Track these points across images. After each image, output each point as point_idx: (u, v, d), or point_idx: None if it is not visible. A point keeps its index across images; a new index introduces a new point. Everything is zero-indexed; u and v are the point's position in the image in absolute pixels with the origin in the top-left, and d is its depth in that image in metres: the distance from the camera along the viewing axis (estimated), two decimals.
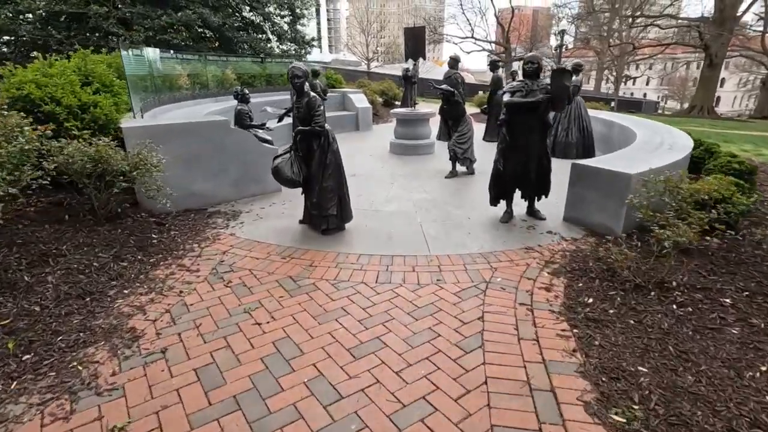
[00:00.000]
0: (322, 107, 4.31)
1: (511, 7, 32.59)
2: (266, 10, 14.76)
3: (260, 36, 15.26)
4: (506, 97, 4.58)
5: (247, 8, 14.28)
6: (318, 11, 57.20)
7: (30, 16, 10.21)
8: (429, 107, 11.24)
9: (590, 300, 3.20)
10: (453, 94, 6.74)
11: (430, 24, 36.91)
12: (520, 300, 3.29)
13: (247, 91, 7.36)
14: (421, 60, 12.36)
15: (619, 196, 4.27)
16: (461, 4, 33.28)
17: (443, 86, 6.81)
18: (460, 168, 7.15)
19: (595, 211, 4.58)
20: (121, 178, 4.03)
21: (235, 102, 7.35)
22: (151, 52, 7.24)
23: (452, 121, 7.09)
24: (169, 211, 5.04)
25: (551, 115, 4.72)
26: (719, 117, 25.43)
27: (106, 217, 4.34)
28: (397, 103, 18.42)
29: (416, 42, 12.08)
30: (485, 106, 10.83)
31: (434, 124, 9.86)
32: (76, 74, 5.07)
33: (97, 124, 4.62)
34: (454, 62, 10.03)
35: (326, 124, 4.43)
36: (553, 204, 5.11)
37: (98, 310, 3.12)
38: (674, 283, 3.26)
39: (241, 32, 14.31)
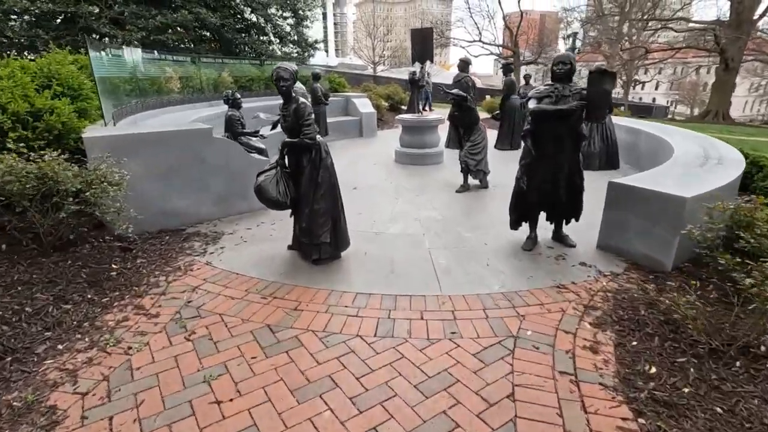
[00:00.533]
0: (312, 116, 3.58)
1: (520, 11, 31.77)
2: (268, 11, 14.11)
3: (263, 38, 14.62)
4: (532, 104, 3.83)
5: (248, 9, 13.63)
6: (325, 15, 56.77)
7: (15, 16, 9.61)
8: (437, 113, 10.49)
9: (653, 370, 2.43)
10: (465, 100, 6.00)
11: (437, 27, 36.17)
12: (559, 365, 2.52)
13: (238, 95, 6.67)
14: (428, 63, 11.69)
15: (670, 224, 3.50)
16: (469, 8, 32.61)
17: (454, 91, 6.07)
18: (472, 181, 6.40)
19: (638, 239, 3.81)
20: (71, 199, 3.32)
21: (226, 107, 6.66)
22: (132, 53, 6.57)
23: (464, 129, 6.35)
24: (140, 233, 4.35)
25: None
26: (735, 123, 24.49)
27: (55, 245, 3.63)
28: (403, 107, 17.73)
29: (424, 44, 11.36)
30: (497, 111, 10.09)
31: (442, 131, 9.12)
32: (36, 76, 4.39)
33: (53, 134, 3.92)
34: (464, 65, 9.28)
35: (318, 135, 3.70)
36: (582, 227, 4.34)
37: (16, 376, 2.41)
38: (763, 348, 2.49)
39: (242, 34, 13.68)
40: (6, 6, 9.15)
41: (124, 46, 6.26)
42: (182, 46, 11.91)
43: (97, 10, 10.14)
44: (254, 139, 6.87)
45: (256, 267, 3.82)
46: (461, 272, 3.71)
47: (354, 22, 60.89)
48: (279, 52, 14.52)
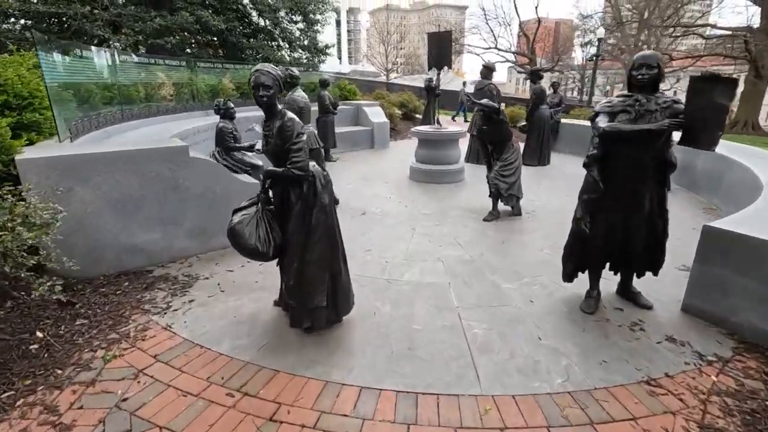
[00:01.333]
0: (303, 137, 2.60)
1: (537, 18, 30.71)
2: (277, 15, 13.28)
3: (272, 43, 13.79)
4: (603, 122, 2.81)
5: (255, 13, 12.82)
6: (338, 22, 56.27)
7: (13, 19, 8.88)
8: (452, 123, 9.45)
9: None
10: (497, 112, 4.98)
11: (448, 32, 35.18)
12: None
13: (231, 105, 5.74)
14: (445, 69, 10.75)
15: None
16: (485, 14, 31.57)
17: (483, 101, 5.05)
18: (502, 207, 5.37)
19: (751, 308, 2.74)
20: None
21: (218, 118, 5.74)
22: (108, 55, 5.69)
23: (494, 146, 5.32)
24: (94, 276, 3.41)
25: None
26: (766, 133, 23.02)
27: None
28: (417, 116, 16.75)
29: (441, 48, 10.39)
30: (523, 123, 9.07)
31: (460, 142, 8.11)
32: None
33: None
34: (487, 71, 8.30)
35: (313, 163, 2.71)
36: (648, 273, 3.28)
37: None
38: None
39: (249, 39, 12.85)
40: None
41: (95, 48, 5.36)
42: (187, 51, 11.09)
43: (88, 10, 9.35)
44: (250, 154, 5.94)
45: (230, 335, 2.84)
46: (506, 352, 2.68)
47: (367, 29, 60.40)
48: (288, 58, 13.66)
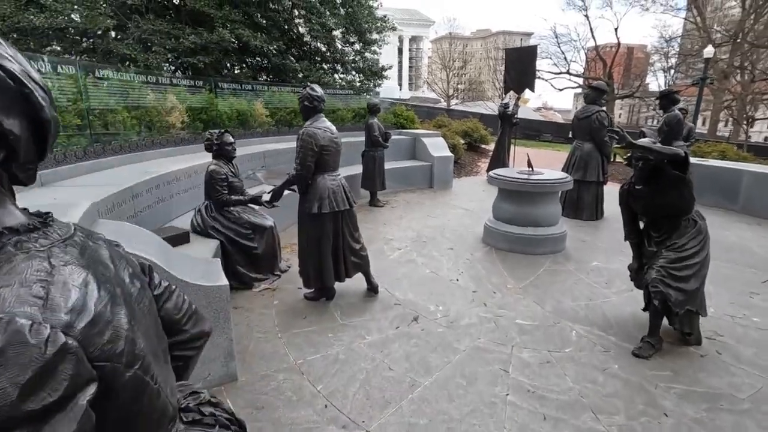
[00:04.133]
0: None
1: (617, 41, 27.45)
2: (332, 34, 11.70)
3: (324, 65, 12.22)
4: None
5: (301, 29, 11.30)
6: (400, 50, 55.53)
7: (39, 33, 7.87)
8: (536, 161, 6.96)
9: None
10: (683, 164, 2.60)
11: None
12: None
13: (230, 138, 3.81)
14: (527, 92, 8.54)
15: None
16: (556, 37, 28.78)
17: (656, 146, 2.66)
18: (666, 326, 2.91)
19: None
20: None
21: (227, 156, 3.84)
22: (65, 68, 4.02)
23: (655, 222, 2.91)
24: None
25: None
26: None
27: None
28: (483, 147, 14.39)
29: (523, 67, 8.09)
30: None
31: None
32: None
33: None
34: (597, 93, 5.94)
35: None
36: None
37: None
38: None
39: (300, 61, 11.33)
40: (20, 23, 7.36)
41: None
42: (225, 72, 9.64)
43: (123, 27, 8.14)
44: (255, 208, 3.97)
45: None
46: None
47: (429, 56, 59.26)
48: (339, 80, 11.98)
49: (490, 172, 4.99)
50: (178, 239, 3.40)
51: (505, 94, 8.92)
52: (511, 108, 8.83)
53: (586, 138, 6.00)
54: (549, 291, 3.78)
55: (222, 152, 3.78)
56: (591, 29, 28.51)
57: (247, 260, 3.80)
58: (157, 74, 5.54)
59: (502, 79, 34.52)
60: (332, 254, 3.36)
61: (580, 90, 38.39)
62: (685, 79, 34.34)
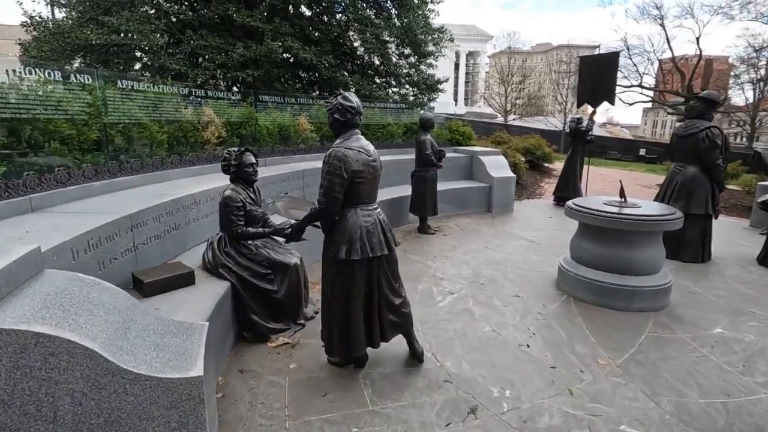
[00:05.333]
0: None
1: (699, 51, 24.77)
2: (385, 47, 11.12)
3: (378, 79, 11.67)
4: None
5: (355, 43, 10.81)
6: (457, 66, 54.62)
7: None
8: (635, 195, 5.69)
9: None
10: None
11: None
12: None
13: (250, 157, 3.16)
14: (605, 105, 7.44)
15: None
16: (627, 49, 26.49)
17: None
18: None
19: None
20: None
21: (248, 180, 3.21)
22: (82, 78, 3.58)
23: None
24: None
25: None
26: None
27: None
28: (547, 165, 13.10)
29: (602, 78, 6.96)
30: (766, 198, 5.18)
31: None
32: None
33: None
34: (707, 105, 4.79)
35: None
36: None
37: None
38: None
39: (352, 75, 10.84)
40: (78, 40, 7.41)
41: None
42: (276, 86, 9.29)
43: (176, 42, 8.02)
44: (280, 241, 3.29)
45: None
46: None
47: (486, 71, 57.87)
48: (392, 94, 11.34)
49: (569, 203, 3.96)
50: (179, 281, 2.76)
51: (578, 107, 7.75)
52: (585, 124, 7.65)
53: (691, 160, 4.79)
54: (660, 374, 2.71)
55: (240, 175, 3.13)
56: (668, 39, 25.78)
57: (264, 306, 3.09)
58: (193, 86, 5.09)
59: (564, 93, 32.47)
60: (364, 312, 2.55)
61: (650, 105, 35.33)
62: None
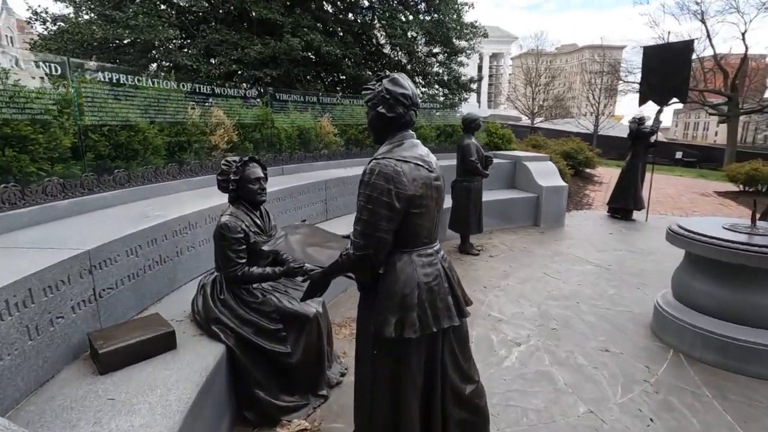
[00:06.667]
0: None
1: (745, 47, 22.98)
2: (414, 46, 10.23)
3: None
4: None
5: (381, 40, 9.97)
6: (480, 67, 53.29)
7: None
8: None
9: None
10: None
11: (615, 70, 28.99)
12: None
13: (258, 172, 2.30)
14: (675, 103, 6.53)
15: None
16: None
17: None
18: None
19: None
20: None
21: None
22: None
23: None
24: None
25: None
26: None
27: None
28: (589, 172, 11.95)
29: (671, 71, 5.90)
30: None
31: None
32: None
33: None
34: None
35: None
36: None
37: None
38: None
39: (377, 73, 9.98)
40: (83, 37, 6.80)
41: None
42: (296, 86, 8.51)
43: (187, 38, 7.33)
44: (288, 284, 2.42)
45: None
46: None
47: (510, 73, 56.36)
48: (421, 95, 10.45)
49: (675, 228, 2.96)
50: (152, 346, 1.92)
51: (641, 105, 6.67)
52: (649, 124, 6.56)
53: None
54: None
55: (243, 193, 2.28)
56: (709, 36, 23.99)
57: (273, 375, 2.23)
58: (198, 83, 4.30)
59: (597, 94, 30.86)
60: (420, 406, 1.65)
61: (681, 105, 33.28)
62: None
